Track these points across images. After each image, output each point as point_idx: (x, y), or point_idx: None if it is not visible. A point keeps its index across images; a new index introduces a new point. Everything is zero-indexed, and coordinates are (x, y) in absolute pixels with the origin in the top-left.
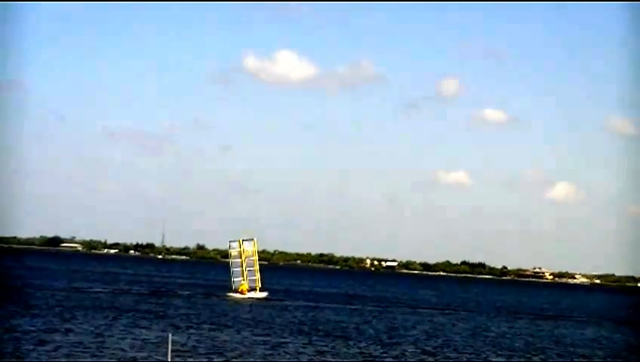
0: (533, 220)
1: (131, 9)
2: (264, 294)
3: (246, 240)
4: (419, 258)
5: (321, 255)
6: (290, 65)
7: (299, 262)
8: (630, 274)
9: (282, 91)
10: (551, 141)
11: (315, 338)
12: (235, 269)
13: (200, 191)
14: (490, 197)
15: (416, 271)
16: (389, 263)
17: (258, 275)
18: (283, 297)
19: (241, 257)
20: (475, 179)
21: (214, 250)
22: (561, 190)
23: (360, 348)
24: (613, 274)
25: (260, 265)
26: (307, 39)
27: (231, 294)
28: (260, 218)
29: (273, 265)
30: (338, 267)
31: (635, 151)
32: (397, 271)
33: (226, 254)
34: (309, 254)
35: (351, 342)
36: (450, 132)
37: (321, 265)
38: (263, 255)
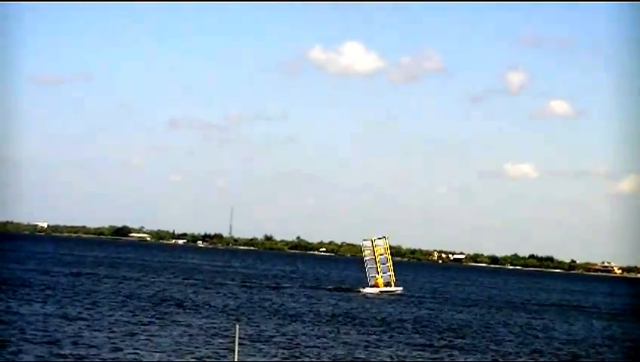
0: (601, 213)
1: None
2: (400, 289)
3: (379, 238)
4: (486, 251)
5: (390, 247)
6: (355, 56)
7: None
8: None
9: (347, 82)
10: (618, 133)
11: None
12: (369, 266)
13: (266, 181)
14: (557, 189)
15: (483, 264)
16: (456, 256)
17: (392, 271)
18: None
19: (374, 254)
20: (541, 171)
21: (282, 241)
22: (629, 183)
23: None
24: None
25: (324, 256)
26: (372, 31)
27: (367, 289)
28: (325, 210)
29: (340, 257)
30: (406, 259)
31: None
32: (464, 263)
33: (294, 245)
34: None
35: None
36: (516, 124)
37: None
38: (330, 246)
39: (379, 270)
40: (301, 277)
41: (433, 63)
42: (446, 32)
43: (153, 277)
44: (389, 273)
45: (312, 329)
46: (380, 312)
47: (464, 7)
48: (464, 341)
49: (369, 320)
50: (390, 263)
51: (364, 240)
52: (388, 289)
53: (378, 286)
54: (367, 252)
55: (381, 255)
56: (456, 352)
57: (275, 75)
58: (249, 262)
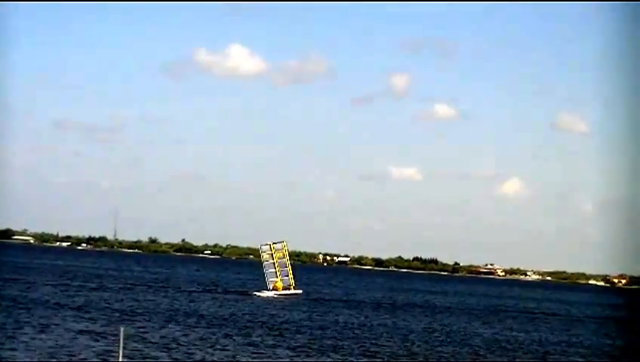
0: (484, 216)
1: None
2: (299, 291)
3: (276, 243)
4: (370, 253)
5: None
6: (241, 59)
7: (252, 256)
8: (582, 271)
9: (233, 85)
10: (501, 137)
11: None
12: (269, 270)
13: (151, 184)
14: (441, 192)
15: (368, 267)
16: (341, 258)
17: (291, 274)
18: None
19: (273, 258)
20: (425, 174)
21: (167, 243)
22: (511, 186)
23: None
24: (565, 271)
25: (211, 259)
26: (257, 34)
27: (265, 292)
28: (210, 212)
29: (225, 259)
30: (291, 262)
31: (585, 149)
32: (349, 266)
33: (179, 248)
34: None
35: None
36: (401, 127)
37: None
38: (215, 249)
39: (278, 273)
40: (194, 280)
41: (318, 66)
42: (331, 35)
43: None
44: (288, 276)
45: (197, 332)
46: (275, 316)
47: (348, 8)
48: (345, 342)
49: (257, 323)
50: (289, 267)
51: (263, 244)
52: (288, 292)
53: (277, 290)
54: (265, 256)
55: (280, 259)
56: (332, 353)
57: (160, 77)
58: (130, 264)
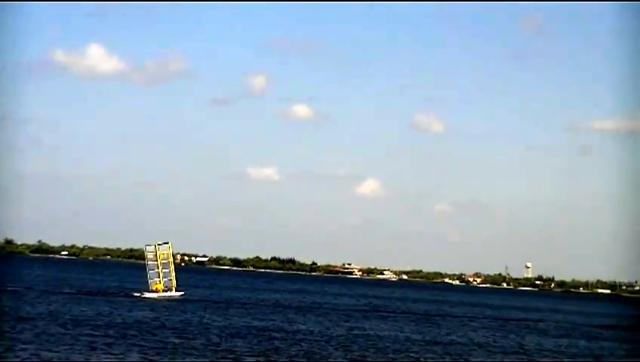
0: (342, 216)
1: None
2: (180, 293)
3: (161, 244)
4: (228, 253)
5: (131, 250)
6: (98, 59)
7: (109, 257)
8: (437, 270)
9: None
10: (360, 137)
11: None
12: (151, 271)
13: (9, 183)
14: (299, 192)
15: (226, 267)
16: (199, 258)
17: (174, 275)
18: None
19: (157, 259)
20: (284, 174)
21: (23, 244)
22: (369, 186)
23: None
24: (421, 271)
25: (69, 259)
26: (115, 33)
27: (147, 294)
28: (68, 212)
29: (83, 260)
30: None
31: (440, 149)
32: (207, 266)
33: (36, 249)
34: (119, 249)
35: None
36: (260, 128)
37: (132, 261)
38: (72, 250)
39: (160, 275)
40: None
41: (178, 66)
42: (191, 35)
43: None
44: (169, 278)
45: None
46: (143, 317)
47: (206, 8)
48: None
49: (120, 325)
50: (172, 268)
51: (147, 245)
52: (168, 294)
53: (158, 291)
54: (150, 256)
55: (164, 260)
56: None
57: (19, 76)
58: None
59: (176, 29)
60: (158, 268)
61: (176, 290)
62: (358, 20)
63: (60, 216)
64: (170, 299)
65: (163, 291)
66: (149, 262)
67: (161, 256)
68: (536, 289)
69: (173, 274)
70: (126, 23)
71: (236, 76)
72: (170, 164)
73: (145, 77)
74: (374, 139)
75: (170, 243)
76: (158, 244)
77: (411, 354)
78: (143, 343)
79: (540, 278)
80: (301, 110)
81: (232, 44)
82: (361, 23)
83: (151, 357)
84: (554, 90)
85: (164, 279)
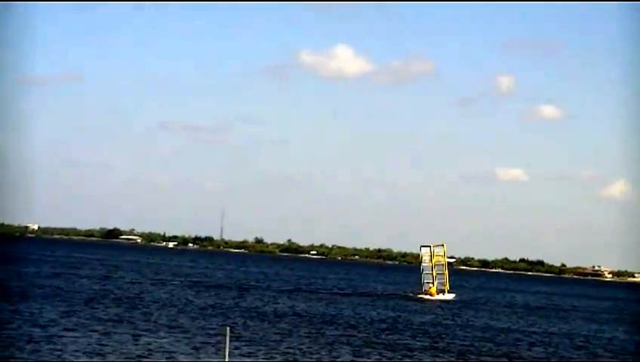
0: (591, 218)
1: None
2: (452, 296)
3: (437, 245)
4: (476, 255)
5: (379, 250)
6: (345, 60)
7: (357, 257)
8: None
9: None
10: (607, 138)
11: None
12: (425, 273)
13: (257, 184)
14: (547, 194)
15: (474, 268)
16: (448, 260)
17: (447, 278)
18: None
19: (431, 261)
20: (532, 176)
21: (273, 243)
22: (618, 188)
23: None
24: None
25: (316, 259)
26: (361, 34)
27: (421, 295)
28: (315, 213)
29: (331, 260)
30: (397, 262)
31: None
32: (455, 267)
33: (285, 248)
34: (367, 249)
35: None
36: (506, 127)
37: (380, 261)
38: (321, 249)
39: (434, 277)
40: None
41: (422, 66)
42: (435, 35)
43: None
44: (442, 280)
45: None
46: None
47: (451, 9)
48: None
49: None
50: (446, 270)
51: (423, 246)
52: (441, 296)
53: (432, 295)
54: (425, 258)
55: (438, 262)
56: None
57: (265, 78)
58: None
59: (420, 27)
60: (432, 270)
61: (448, 292)
62: (604, 20)
63: (308, 215)
64: (445, 301)
65: (436, 294)
66: (423, 264)
67: (435, 259)
68: None
69: (447, 276)
70: (371, 24)
71: (481, 76)
72: (413, 165)
73: (390, 77)
74: (622, 140)
75: (444, 246)
76: (435, 246)
77: None
78: None
79: None
80: (548, 110)
81: (477, 44)
82: (607, 23)
83: None
84: None
85: (437, 282)
